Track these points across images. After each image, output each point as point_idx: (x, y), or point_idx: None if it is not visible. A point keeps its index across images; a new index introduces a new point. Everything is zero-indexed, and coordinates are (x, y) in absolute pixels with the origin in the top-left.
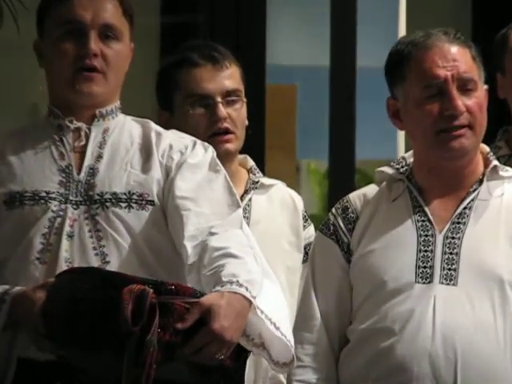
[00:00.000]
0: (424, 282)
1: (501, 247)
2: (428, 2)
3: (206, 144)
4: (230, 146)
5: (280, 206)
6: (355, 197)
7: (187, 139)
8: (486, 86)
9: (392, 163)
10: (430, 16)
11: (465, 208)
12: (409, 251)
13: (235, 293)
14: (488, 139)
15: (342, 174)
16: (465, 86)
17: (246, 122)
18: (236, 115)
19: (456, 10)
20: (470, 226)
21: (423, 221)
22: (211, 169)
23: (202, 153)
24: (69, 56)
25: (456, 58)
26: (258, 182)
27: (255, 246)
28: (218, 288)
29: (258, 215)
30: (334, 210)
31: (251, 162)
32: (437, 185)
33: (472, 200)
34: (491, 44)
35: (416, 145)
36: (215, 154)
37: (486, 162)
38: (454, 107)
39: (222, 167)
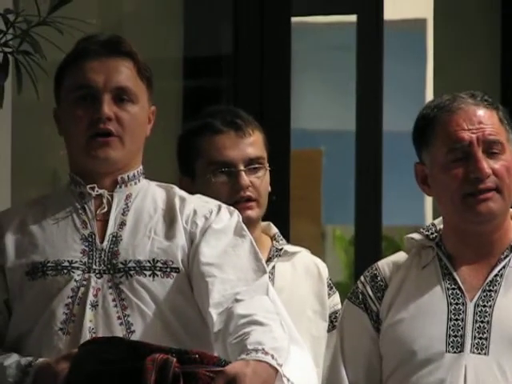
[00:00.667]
0: (455, 352)
1: None
2: (456, 65)
3: (232, 208)
4: (251, 213)
5: (304, 274)
6: (384, 264)
7: (212, 204)
8: None
9: (421, 230)
10: (459, 79)
11: (496, 275)
12: (439, 320)
13: (261, 361)
14: None
15: (368, 241)
16: (491, 149)
17: (269, 189)
18: (259, 183)
19: (485, 73)
20: (501, 294)
21: (453, 289)
22: (236, 234)
23: (227, 218)
24: (83, 122)
25: (482, 120)
26: (281, 250)
27: (282, 313)
28: (243, 356)
29: (282, 283)
30: (362, 277)
31: (275, 230)
32: (466, 252)
33: (503, 267)
34: None
35: (444, 210)
36: (241, 218)
37: None
38: (480, 170)
39: (248, 232)
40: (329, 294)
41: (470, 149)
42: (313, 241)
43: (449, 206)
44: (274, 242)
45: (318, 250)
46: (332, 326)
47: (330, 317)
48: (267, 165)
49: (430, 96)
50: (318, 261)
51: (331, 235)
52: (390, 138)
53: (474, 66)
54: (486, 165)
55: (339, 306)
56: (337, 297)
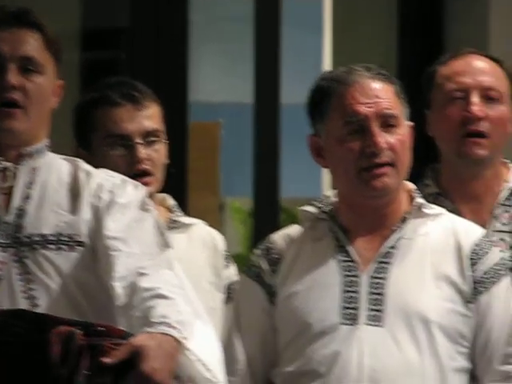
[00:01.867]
0: (349, 324)
1: (427, 287)
2: (354, 40)
3: (137, 183)
4: (148, 187)
5: (200, 246)
6: (279, 237)
7: (117, 178)
8: (410, 123)
9: (315, 202)
10: (356, 53)
11: (390, 247)
12: (333, 292)
13: (165, 334)
14: (416, 177)
15: (266, 213)
16: (387, 123)
17: (166, 161)
18: (156, 156)
19: (383, 46)
20: (395, 265)
21: (347, 261)
22: (141, 208)
23: (133, 192)
24: None
25: (378, 94)
26: (177, 222)
27: (186, 287)
28: (147, 329)
29: (178, 255)
30: (257, 250)
31: (171, 202)
32: (360, 224)
33: (398, 239)
34: (419, 80)
35: (338, 183)
36: (145, 193)
37: (411, 200)
38: (375, 144)
39: (153, 207)
40: (225, 266)
41: (366, 123)
42: (211, 213)
43: (343, 179)
44: (170, 214)
45: (216, 223)
46: (228, 298)
47: (226, 288)
48: (164, 138)
49: (327, 67)
50: (214, 232)
51: (230, 207)
52: (288, 110)
53: (373, 39)
54: (382, 139)
55: (235, 278)
56: (233, 268)
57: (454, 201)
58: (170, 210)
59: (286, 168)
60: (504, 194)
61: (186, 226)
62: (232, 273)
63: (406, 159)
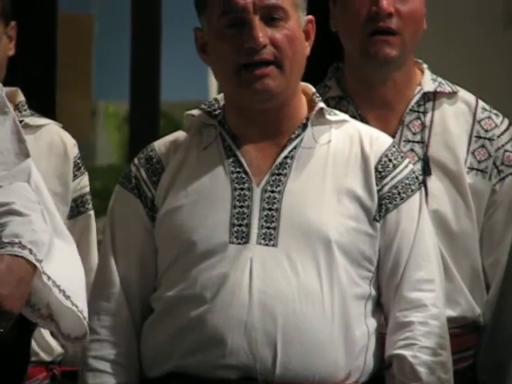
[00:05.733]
0: (239, 243)
1: (327, 202)
2: None
3: None
4: None
5: (47, 151)
6: (161, 145)
7: None
8: (310, 17)
9: (203, 106)
10: None
11: (286, 157)
12: (222, 207)
13: (17, 256)
14: (319, 79)
15: (145, 118)
16: (270, 16)
17: (11, 52)
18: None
19: None
20: (291, 178)
21: (238, 172)
22: None
23: None
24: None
25: None
26: (23, 122)
27: (47, 202)
28: None
29: None
30: (136, 159)
31: (20, 97)
32: (251, 131)
33: (294, 148)
34: None
35: (221, 83)
36: (4, 92)
37: (311, 105)
38: (254, 39)
39: (12, 109)
40: (75, 176)
41: (244, 14)
42: (82, 117)
43: (223, 79)
44: (17, 112)
45: (87, 129)
46: (78, 211)
47: (75, 201)
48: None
49: None
50: (67, 137)
51: (103, 112)
52: (170, 3)
53: None
54: (262, 33)
55: (87, 189)
56: (85, 179)
57: (359, 106)
58: (16, 107)
59: (167, 69)
60: (416, 99)
61: (34, 127)
62: (84, 184)
63: (295, 58)
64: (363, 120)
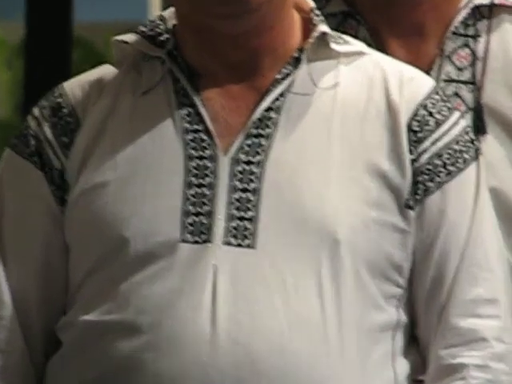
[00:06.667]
0: (196, 241)
1: (332, 179)
2: None
3: None
4: None
5: None
6: (75, 87)
7: None
8: None
9: (141, 28)
10: None
11: (269, 109)
12: (169, 185)
13: None
14: None
15: (50, 48)
16: None
17: None
18: None
19: None
20: (277, 141)
21: (196, 131)
22: None
23: None
24: None
25: None
26: None
27: None
28: None
29: None
30: (36, 110)
31: None
32: (218, 67)
33: (282, 95)
34: None
35: None
36: None
37: (308, 28)
38: None
39: None
40: None
41: None
42: None
43: None
44: None
45: None
46: None
47: None
48: None
49: None
50: None
51: None
52: None
53: None
54: None
55: None
56: None
57: (374, 28)
58: None
59: None
60: (463, 15)
61: None
62: None
63: None
64: (380, 49)
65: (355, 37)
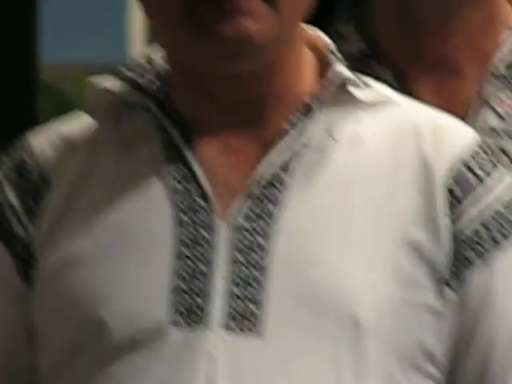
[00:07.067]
0: (189, 325)
1: (354, 250)
2: None
3: None
4: None
5: None
6: (42, 139)
7: None
8: None
9: (122, 69)
10: None
11: (276, 166)
12: (156, 258)
13: None
14: (322, 21)
15: (10, 91)
16: None
17: None
18: None
19: None
20: (287, 204)
21: (188, 192)
22: None
23: None
24: None
25: None
26: None
27: None
28: None
29: None
30: None
31: None
32: (216, 116)
33: (290, 149)
34: None
35: (160, 30)
36: None
37: (322, 68)
38: None
39: None
40: None
41: None
42: None
43: (165, 21)
44: None
45: None
46: None
47: None
48: None
49: None
50: None
51: None
52: None
53: None
54: None
55: None
56: None
57: (399, 70)
58: None
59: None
60: (504, 51)
61: None
62: None
63: None
64: (407, 94)
65: (377, 80)
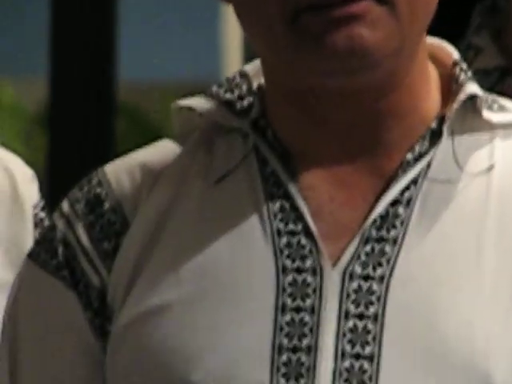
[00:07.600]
0: None
1: (488, 302)
2: None
3: None
4: None
5: None
6: (121, 171)
7: None
8: None
9: (215, 89)
10: None
11: (396, 203)
12: (255, 310)
13: None
14: (452, 33)
15: (83, 114)
16: None
17: None
18: None
19: None
20: (408, 246)
21: (293, 233)
22: None
23: None
24: None
25: None
26: None
27: None
28: None
29: None
30: (66, 204)
31: None
32: (322, 142)
33: (414, 181)
34: None
35: (257, 43)
36: None
37: (449, 88)
38: None
39: None
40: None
41: None
42: None
43: (264, 32)
44: None
45: None
46: None
47: None
48: None
49: None
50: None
51: None
52: None
53: None
54: None
55: None
56: None
57: None
58: None
59: (128, 16)
60: None
61: None
62: None
63: None
64: None
65: None
